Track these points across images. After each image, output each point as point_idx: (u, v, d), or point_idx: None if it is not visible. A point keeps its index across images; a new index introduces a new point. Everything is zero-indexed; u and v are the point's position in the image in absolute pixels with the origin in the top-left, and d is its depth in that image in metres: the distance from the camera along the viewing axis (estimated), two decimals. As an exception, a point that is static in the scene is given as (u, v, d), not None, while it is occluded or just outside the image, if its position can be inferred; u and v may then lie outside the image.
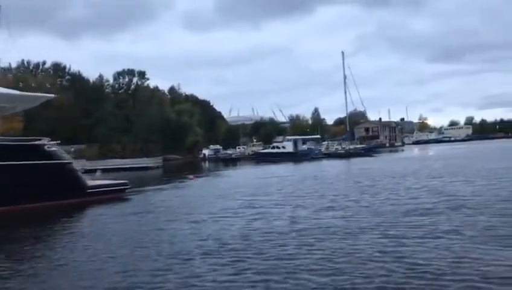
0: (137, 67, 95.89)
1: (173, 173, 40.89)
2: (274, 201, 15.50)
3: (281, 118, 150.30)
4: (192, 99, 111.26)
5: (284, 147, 58.26)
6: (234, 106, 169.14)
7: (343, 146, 59.23)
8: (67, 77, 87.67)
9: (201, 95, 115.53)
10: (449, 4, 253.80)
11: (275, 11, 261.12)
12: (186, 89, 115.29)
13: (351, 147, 58.60)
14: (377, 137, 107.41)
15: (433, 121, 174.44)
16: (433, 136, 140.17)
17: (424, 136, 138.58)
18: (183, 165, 62.45)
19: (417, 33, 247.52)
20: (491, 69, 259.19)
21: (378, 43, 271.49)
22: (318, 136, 66.63)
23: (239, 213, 13.16)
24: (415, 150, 75.26)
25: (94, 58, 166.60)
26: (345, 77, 62.04)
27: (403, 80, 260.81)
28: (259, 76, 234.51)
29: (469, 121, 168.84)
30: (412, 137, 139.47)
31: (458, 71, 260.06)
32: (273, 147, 60.68)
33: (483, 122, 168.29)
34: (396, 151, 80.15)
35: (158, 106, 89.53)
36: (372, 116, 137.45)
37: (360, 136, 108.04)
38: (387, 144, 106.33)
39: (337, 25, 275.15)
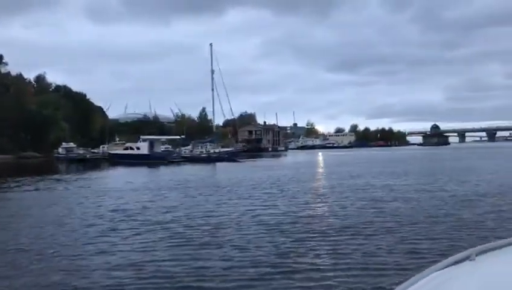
0: (29, 56, 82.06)
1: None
2: None
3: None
4: (65, 91, 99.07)
5: (138, 149, 50.79)
6: (131, 103, 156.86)
7: (208, 149, 53.52)
8: None
9: (98, 89, 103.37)
10: (350, 17, 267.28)
11: (185, 9, 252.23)
12: (83, 83, 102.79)
13: (216, 150, 53.07)
14: (260, 141, 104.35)
15: (324, 128, 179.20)
16: (318, 141, 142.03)
17: (310, 142, 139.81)
18: (31, 166, 51.65)
19: (320, 42, 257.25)
20: (383, 80, 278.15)
21: (284, 49, 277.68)
22: (181, 137, 60.23)
23: None
24: (293, 156, 72.72)
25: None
26: (212, 72, 56.40)
27: (304, 86, 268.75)
28: (164, 74, 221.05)
29: (353, 129, 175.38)
30: (298, 142, 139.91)
31: (354, 81, 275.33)
32: (127, 148, 52.89)
33: (366, 130, 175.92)
34: (278, 156, 77.15)
35: (15, 95, 76.70)
36: (271, 120, 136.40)
37: (244, 139, 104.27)
38: (270, 148, 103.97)
39: (247, 28, 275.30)
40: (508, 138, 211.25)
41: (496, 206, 12.31)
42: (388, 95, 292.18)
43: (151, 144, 50.99)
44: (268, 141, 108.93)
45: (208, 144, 55.73)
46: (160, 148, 51.84)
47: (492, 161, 38.82)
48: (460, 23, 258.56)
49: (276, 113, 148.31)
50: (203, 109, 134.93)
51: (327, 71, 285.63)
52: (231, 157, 50.79)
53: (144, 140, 51.59)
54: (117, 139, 70.34)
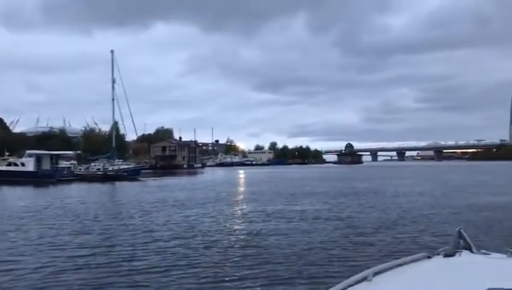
0: None
1: None
2: None
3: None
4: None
5: (23, 165, 44.25)
6: (46, 116, 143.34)
7: (105, 166, 48.13)
8: None
9: (7, 100, 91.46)
10: (275, 38, 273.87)
11: (109, 20, 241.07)
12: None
13: (115, 167, 47.87)
14: (174, 157, 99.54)
15: (246, 145, 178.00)
16: (237, 159, 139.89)
17: (228, 159, 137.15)
18: None
19: (246, 61, 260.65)
20: (304, 101, 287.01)
21: (210, 66, 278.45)
22: (76, 152, 54.50)
23: None
24: (208, 174, 69.40)
25: None
26: (113, 81, 51.42)
27: (228, 104, 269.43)
28: (84, 86, 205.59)
29: (273, 146, 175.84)
30: (216, 159, 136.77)
31: (277, 101, 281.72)
32: (10, 164, 46.05)
33: (284, 148, 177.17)
34: (194, 173, 73.06)
35: None
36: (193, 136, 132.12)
37: (157, 155, 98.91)
38: (185, 165, 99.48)
39: (173, 43, 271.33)
40: (416, 157, 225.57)
41: (392, 245, 9.85)
42: (309, 114, 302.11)
43: (39, 159, 44.57)
44: (184, 157, 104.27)
45: (105, 160, 50.14)
46: (50, 165, 45.41)
47: (402, 181, 38.32)
48: (377, 50, 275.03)
49: (195, 129, 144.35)
50: (115, 123, 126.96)
51: (252, 90, 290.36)
52: (131, 176, 46.04)
53: (30, 155, 44.94)
54: (6, 153, 62.03)
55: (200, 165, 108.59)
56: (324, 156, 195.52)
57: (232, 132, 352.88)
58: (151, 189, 32.22)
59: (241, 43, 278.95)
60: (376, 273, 1.74)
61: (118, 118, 55.92)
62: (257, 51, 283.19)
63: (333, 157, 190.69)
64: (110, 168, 47.68)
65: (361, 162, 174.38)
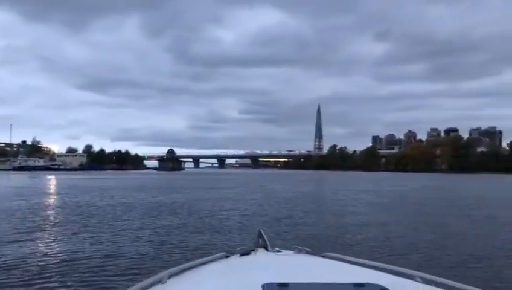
0: None
1: None
2: None
3: None
4: None
5: None
6: None
7: None
8: None
9: None
10: (104, 36, 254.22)
11: None
12: None
13: None
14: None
15: (60, 147, 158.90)
16: (41, 162, 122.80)
17: (31, 162, 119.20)
18: None
19: (69, 57, 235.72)
20: (132, 104, 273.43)
21: (28, 59, 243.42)
22: None
23: None
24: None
25: None
26: None
27: (45, 102, 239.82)
28: None
29: (88, 150, 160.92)
30: (15, 162, 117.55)
31: (102, 102, 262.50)
32: None
33: (101, 152, 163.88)
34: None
35: None
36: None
37: None
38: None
39: None
40: (235, 165, 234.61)
41: None
42: (136, 118, 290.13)
43: None
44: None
45: None
46: None
47: (217, 192, 35.16)
48: (208, 60, 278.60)
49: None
50: None
51: (75, 88, 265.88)
52: None
53: None
54: None
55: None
56: (145, 162, 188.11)
57: (48, 133, 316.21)
58: None
59: (66, 37, 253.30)
60: (172, 275, 1.68)
61: None
62: (84, 47, 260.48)
63: (155, 163, 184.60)
64: None
65: (183, 169, 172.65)
